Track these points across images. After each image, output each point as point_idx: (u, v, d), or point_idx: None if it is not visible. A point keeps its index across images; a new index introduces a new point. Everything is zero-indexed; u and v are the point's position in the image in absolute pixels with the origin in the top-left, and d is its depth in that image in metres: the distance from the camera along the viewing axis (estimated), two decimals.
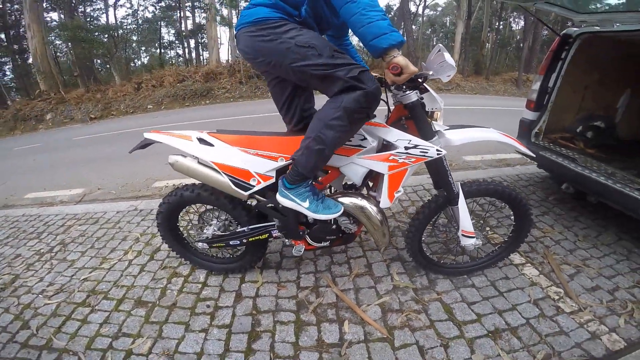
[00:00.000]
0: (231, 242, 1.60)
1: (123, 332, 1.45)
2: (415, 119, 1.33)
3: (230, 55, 13.49)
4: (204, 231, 1.66)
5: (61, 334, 1.46)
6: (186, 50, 18.54)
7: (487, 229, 2.23)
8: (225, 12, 10.77)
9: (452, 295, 1.65)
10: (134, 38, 17.90)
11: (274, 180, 1.41)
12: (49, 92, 9.74)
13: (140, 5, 18.16)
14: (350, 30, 1.31)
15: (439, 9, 25.54)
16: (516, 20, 19.30)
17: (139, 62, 19.15)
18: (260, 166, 1.38)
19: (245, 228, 1.56)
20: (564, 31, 2.51)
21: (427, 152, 1.30)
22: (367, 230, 1.48)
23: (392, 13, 18.50)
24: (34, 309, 1.63)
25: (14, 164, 5.26)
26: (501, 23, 17.81)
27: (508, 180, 3.14)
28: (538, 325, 1.47)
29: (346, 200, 1.42)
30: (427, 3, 19.69)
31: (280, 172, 1.41)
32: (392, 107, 1.45)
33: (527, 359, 1.30)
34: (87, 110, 8.58)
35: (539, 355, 1.31)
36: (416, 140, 1.31)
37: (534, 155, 1.76)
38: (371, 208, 1.41)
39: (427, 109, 1.35)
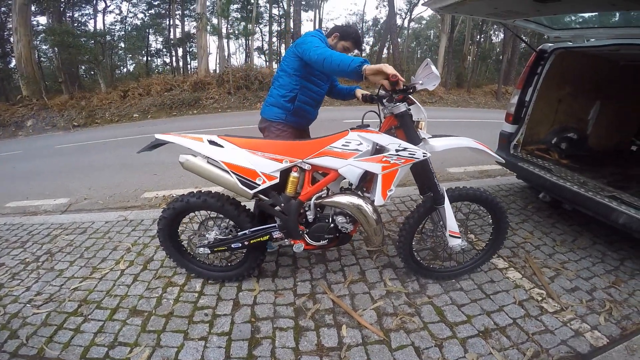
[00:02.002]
0: (233, 245, 1.65)
1: (119, 341, 1.44)
2: (404, 127, 1.51)
3: (218, 65, 13.55)
4: (206, 236, 1.69)
5: (53, 343, 1.44)
6: (174, 58, 18.47)
7: (472, 235, 2.34)
8: (215, 21, 10.83)
9: (442, 298, 1.73)
10: (122, 45, 17.67)
11: (277, 180, 1.52)
12: (31, 97, 9.43)
13: (130, 12, 17.96)
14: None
15: (424, 22, 26.69)
16: (496, 33, 20.35)
17: (125, 70, 18.89)
18: (266, 167, 1.50)
19: (247, 231, 1.62)
20: (540, 47, 2.71)
21: (414, 154, 1.48)
22: (363, 228, 1.58)
23: (379, 26, 19.14)
24: (22, 318, 1.59)
25: None
26: (482, 36, 18.70)
27: (489, 190, 3.29)
28: (524, 324, 1.57)
29: (344, 198, 1.53)
30: (412, 17, 20.62)
31: (283, 173, 1.53)
32: (382, 119, 1.63)
33: (518, 356, 1.39)
34: (70, 118, 8.35)
35: (528, 352, 1.40)
36: (405, 144, 1.48)
37: (504, 161, 1.92)
38: (367, 206, 1.52)
39: (413, 119, 1.54)
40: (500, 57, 15.50)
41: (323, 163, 1.51)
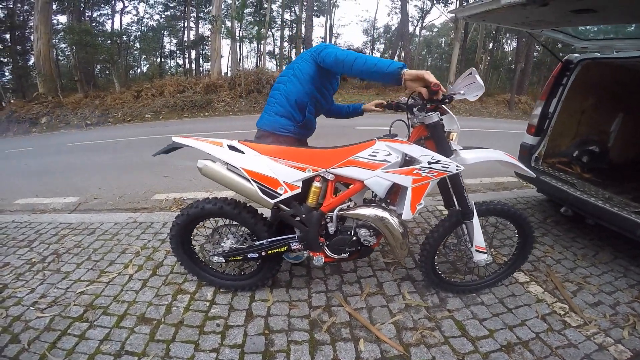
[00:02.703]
0: (249, 255, 1.58)
1: (126, 350, 1.39)
2: (436, 138, 1.44)
3: (229, 68, 13.63)
4: (221, 244, 1.64)
5: (57, 349, 1.39)
6: (187, 60, 18.69)
7: (492, 249, 2.26)
8: (229, 24, 10.95)
9: (463, 312, 1.66)
10: (137, 45, 17.94)
11: (300, 190, 1.44)
12: (47, 95, 9.60)
13: (147, 13, 18.28)
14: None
15: (435, 30, 26.67)
16: (508, 42, 20.17)
17: (139, 70, 19.15)
18: (289, 175, 1.42)
19: (264, 241, 1.56)
20: (565, 57, 2.63)
21: (447, 167, 1.40)
22: (388, 242, 1.51)
23: (390, 33, 19.15)
24: (24, 321, 1.55)
25: (3, 167, 5.09)
26: (494, 45, 18.54)
27: (508, 202, 3.20)
28: (547, 338, 1.50)
29: (368, 211, 1.46)
30: (424, 24, 20.59)
31: (306, 182, 1.45)
32: (410, 128, 1.56)
33: None
34: (83, 116, 8.46)
35: None
36: (438, 157, 1.40)
37: (534, 176, 1.84)
38: (393, 220, 1.45)
39: (445, 130, 1.45)
40: (512, 66, 15.35)
41: (348, 173, 1.43)
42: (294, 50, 19.20)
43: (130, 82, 11.73)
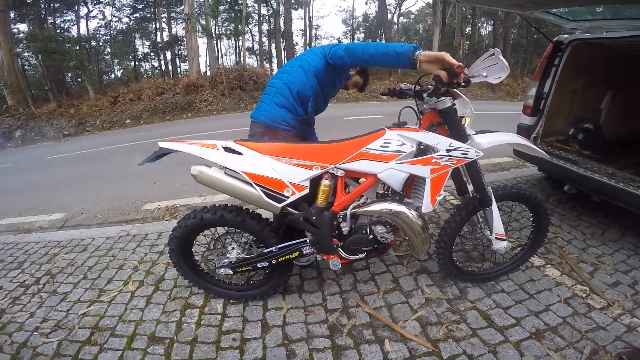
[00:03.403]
0: (259, 265, 1.48)
1: None
2: (450, 124, 1.36)
3: (208, 67, 13.26)
4: (227, 255, 1.52)
5: None
6: (162, 62, 18.09)
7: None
8: (203, 22, 10.59)
9: (485, 302, 1.62)
10: (108, 50, 17.23)
11: (308, 190, 1.33)
12: (17, 107, 9.08)
13: (114, 16, 17.46)
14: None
15: (412, 16, 26.67)
16: (484, 25, 20.34)
17: (113, 75, 18.44)
18: (295, 175, 1.30)
19: (273, 248, 1.45)
20: (556, 38, 2.61)
21: (467, 154, 1.33)
22: (408, 237, 1.43)
23: (369, 22, 19.02)
24: (31, 348, 1.44)
25: None
26: (471, 29, 18.68)
27: (508, 183, 3.20)
28: (575, 322, 1.48)
29: (384, 207, 1.37)
30: (401, 11, 20.57)
31: (313, 181, 1.34)
32: (420, 115, 1.46)
33: (576, 355, 1.30)
34: (59, 127, 8.05)
35: (586, 350, 1.32)
36: (456, 143, 1.32)
37: (547, 157, 1.80)
38: (411, 214, 1.36)
39: (458, 115, 1.37)
40: (490, 50, 15.51)
41: (359, 168, 1.33)
42: (273, 45, 18.88)
43: (105, 88, 11.25)
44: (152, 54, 19.27)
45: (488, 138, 1.44)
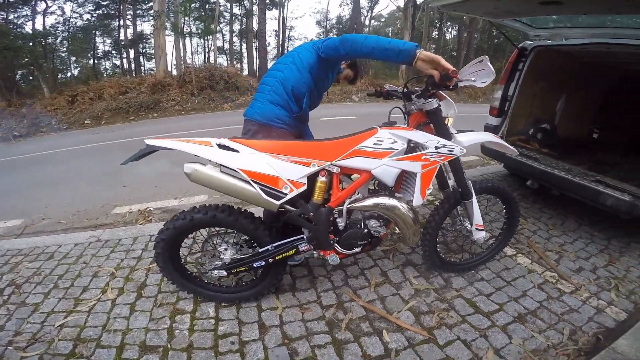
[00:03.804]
0: (255, 265, 1.45)
1: None
2: (436, 123, 1.46)
3: (174, 66, 12.66)
4: (221, 257, 1.48)
5: None
6: (125, 60, 16.97)
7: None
8: (173, 19, 10.12)
9: (469, 290, 1.73)
10: (64, 48, 15.82)
11: (305, 187, 1.34)
12: None
13: (74, 12, 16.06)
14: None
15: (382, 19, 27.46)
16: (449, 30, 21.45)
17: (69, 74, 16.97)
18: (293, 172, 1.31)
19: (269, 247, 1.44)
20: (520, 44, 2.84)
21: (453, 151, 1.44)
22: (400, 229, 1.49)
23: (342, 24, 19.26)
24: None
25: None
26: (437, 33, 19.60)
27: (477, 179, 3.42)
28: (550, 306, 1.62)
29: (379, 201, 1.42)
30: (373, 14, 21.10)
31: (309, 178, 1.35)
32: (407, 115, 1.55)
33: (558, 336, 1.44)
34: (9, 127, 7.25)
35: (565, 331, 1.46)
36: (443, 141, 1.42)
37: (518, 153, 1.97)
38: (403, 207, 1.43)
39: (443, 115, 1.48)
40: (454, 53, 16.42)
41: (354, 164, 1.37)
42: (244, 45, 18.49)
43: (61, 87, 10.32)
44: (113, 52, 18.04)
45: (468, 137, 1.57)
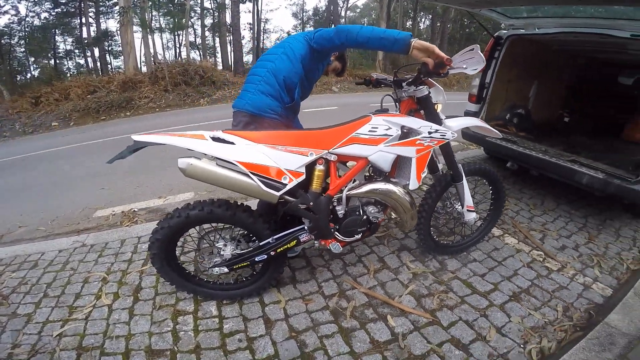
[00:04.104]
0: (257, 259, 1.44)
1: None
2: (427, 110, 1.51)
3: (143, 63, 12.06)
4: (221, 253, 1.46)
5: None
6: (89, 59, 15.97)
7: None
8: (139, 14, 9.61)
9: (464, 271, 1.80)
10: (22, 48, 14.65)
11: (304, 176, 1.33)
12: None
13: (30, 11, 14.83)
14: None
15: (358, 10, 27.37)
16: (422, 19, 21.71)
17: (29, 75, 15.80)
18: (291, 162, 1.30)
19: (269, 239, 1.43)
20: (496, 33, 2.94)
21: (445, 135, 1.50)
22: (397, 214, 1.52)
23: (319, 15, 19.01)
24: None
25: None
26: (411, 23, 19.80)
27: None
28: (541, 284, 1.72)
29: (377, 186, 1.44)
30: (349, 5, 21.01)
31: (308, 167, 1.35)
32: (398, 102, 1.59)
33: (552, 313, 1.52)
34: None
35: (559, 307, 1.55)
36: (435, 126, 1.47)
37: (501, 136, 2.06)
38: (399, 191, 1.46)
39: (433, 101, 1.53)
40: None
41: (351, 152, 1.39)
42: (217, 39, 17.90)
43: (21, 89, 9.58)
44: (76, 50, 16.94)
45: (457, 122, 1.63)
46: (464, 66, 1.32)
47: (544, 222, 2.38)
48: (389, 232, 2.16)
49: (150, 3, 8.56)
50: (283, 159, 1.29)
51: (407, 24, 19.10)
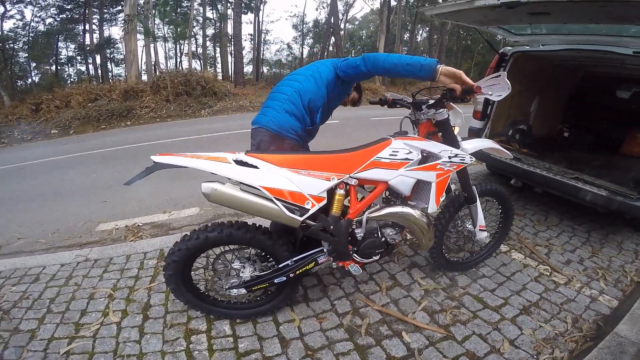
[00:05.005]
0: (276, 280, 1.43)
1: None
2: (445, 133, 1.52)
3: (144, 71, 12.13)
4: (240, 274, 1.45)
5: None
6: (91, 66, 16.03)
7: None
8: (143, 23, 9.72)
9: (474, 287, 1.82)
10: (25, 53, 14.65)
11: (325, 201, 1.33)
12: None
13: (36, 17, 14.94)
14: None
15: (357, 22, 27.92)
16: (420, 32, 22.18)
17: (30, 81, 15.80)
18: (314, 187, 1.29)
19: (289, 261, 1.42)
20: (501, 50, 3.02)
21: (464, 160, 1.50)
22: (415, 236, 1.53)
23: (320, 27, 19.28)
24: None
25: None
26: (409, 36, 20.19)
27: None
28: (550, 297, 1.74)
29: (396, 210, 1.45)
30: (348, 17, 21.46)
31: (330, 192, 1.35)
32: (416, 125, 1.60)
33: (562, 325, 1.55)
34: None
35: (568, 319, 1.58)
36: (456, 150, 1.48)
37: (512, 157, 2.10)
38: (418, 214, 1.46)
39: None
40: (425, 55, 17.05)
41: (372, 176, 1.39)
42: (218, 49, 18.11)
43: (22, 94, 9.57)
44: (78, 57, 17.02)
45: (472, 144, 1.65)
46: (490, 92, 1.31)
47: (548, 237, 2.40)
48: (399, 249, 2.16)
49: (154, 12, 8.64)
50: (306, 184, 1.29)
51: (405, 36, 19.52)
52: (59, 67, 16.32)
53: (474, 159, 1.56)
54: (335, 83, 1.53)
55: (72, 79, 14.66)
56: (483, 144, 1.73)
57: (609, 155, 3.41)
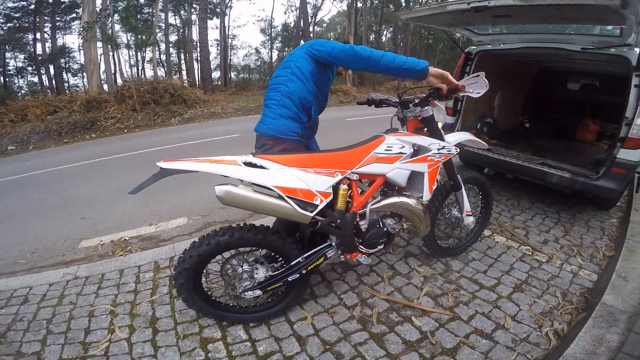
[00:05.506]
0: (290, 279, 1.48)
1: None
2: (431, 128, 1.66)
3: (103, 80, 11.46)
4: (255, 276, 1.48)
5: None
6: (44, 77, 14.85)
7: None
8: (100, 31, 9.19)
9: (467, 270, 1.97)
10: None
11: (332, 196, 1.41)
12: None
13: None
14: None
15: (324, 25, 28.13)
16: (384, 33, 22.83)
17: None
18: (321, 184, 1.37)
19: (299, 258, 1.48)
20: (466, 49, 3.26)
21: (450, 151, 1.66)
22: (413, 223, 1.65)
23: (288, 31, 19.20)
24: None
25: None
26: (374, 37, 20.69)
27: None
28: (536, 275, 1.92)
29: (396, 200, 1.57)
30: (316, 20, 21.56)
31: (334, 187, 1.43)
32: (404, 122, 1.71)
33: (554, 299, 1.72)
34: None
35: (558, 294, 1.75)
36: (442, 143, 1.63)
37: (487, 147, 2.30)
38: (414, 203, 1.59)
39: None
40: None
41: (371, 170, 1.49)
42: (182, 55, 17.52)
43: None
44: (29, 68, 15.70)
45: (454, 137, 1.83)
46: (471, 90, 1.47)
47: (524, 220, 2.64)
48: (393, 241, 2.28)
49: (113, 18, 8.21)
50: (314, 181, 1.35)
51: (371, 37, 20.04)
52: (7, 79, 15.00)
53: (458, 149, 1.72)
54: (319, 71, 1.54)
55: (23, 91, 13.53)
56: (462, 136, 1.91)
57: (567, 141, 3.79)
